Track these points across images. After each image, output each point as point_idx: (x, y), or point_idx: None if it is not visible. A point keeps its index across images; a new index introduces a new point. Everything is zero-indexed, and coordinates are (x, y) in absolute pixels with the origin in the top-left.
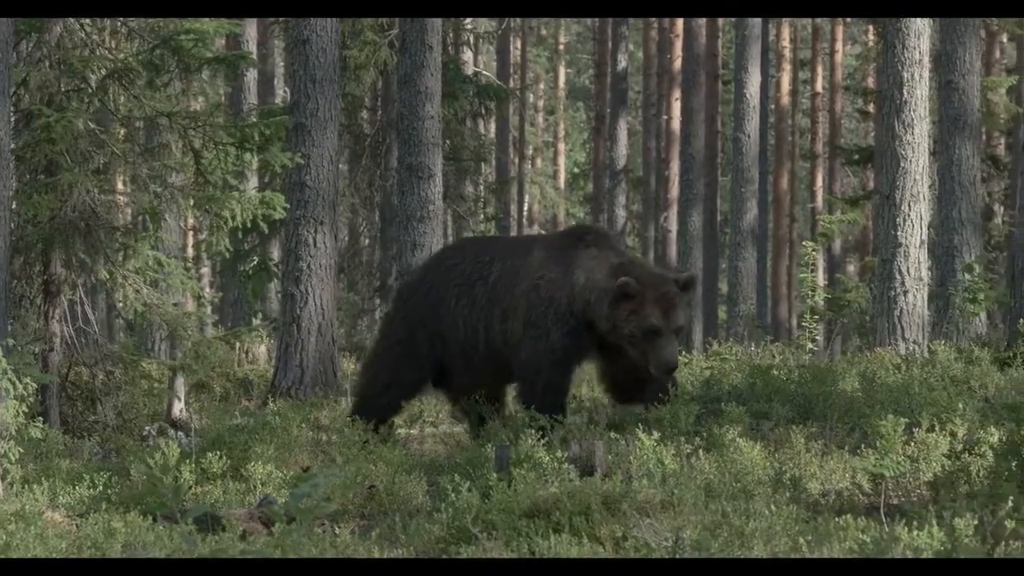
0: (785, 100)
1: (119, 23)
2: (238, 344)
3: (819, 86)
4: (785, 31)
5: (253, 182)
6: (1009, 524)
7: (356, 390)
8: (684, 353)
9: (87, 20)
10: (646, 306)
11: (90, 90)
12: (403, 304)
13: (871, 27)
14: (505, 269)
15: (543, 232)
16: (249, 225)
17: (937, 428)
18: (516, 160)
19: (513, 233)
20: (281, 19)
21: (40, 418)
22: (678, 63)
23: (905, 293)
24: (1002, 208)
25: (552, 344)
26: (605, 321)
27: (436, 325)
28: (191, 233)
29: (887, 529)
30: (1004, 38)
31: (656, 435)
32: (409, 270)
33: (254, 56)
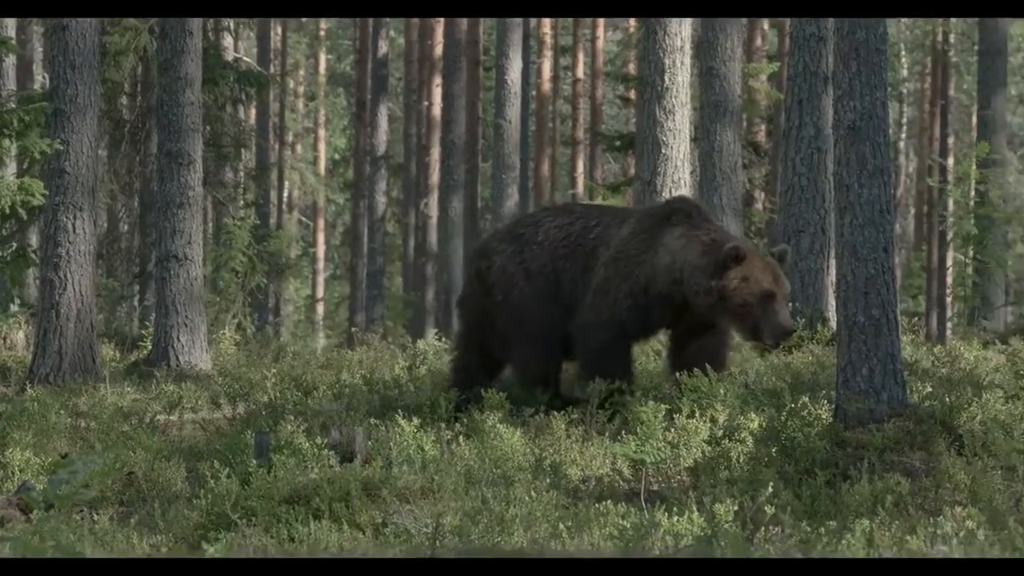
0: (546, 86)
1: None
2: None
3: (580, 72)
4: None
5: (12, 168)
6: (769, 510)
7: (515, 365)
8: (445, 339)
9: None
10: (756, 271)
11: None
12: (510, 258)
13: None
14: (599, 237)
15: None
16: (8, 212)
17: (697, 414)
18: (276, 146)
19: (273, 220)
20: None
21: None
22: (439, 49)
23: None
24: (763, 194)
25: (616, 315)
26: (707, 295)
27: (555, 282)
28: None
29: (647, 515)
30: (765, 25)
31: (416, 421)
32: (169, 256)
33: (13, 41)
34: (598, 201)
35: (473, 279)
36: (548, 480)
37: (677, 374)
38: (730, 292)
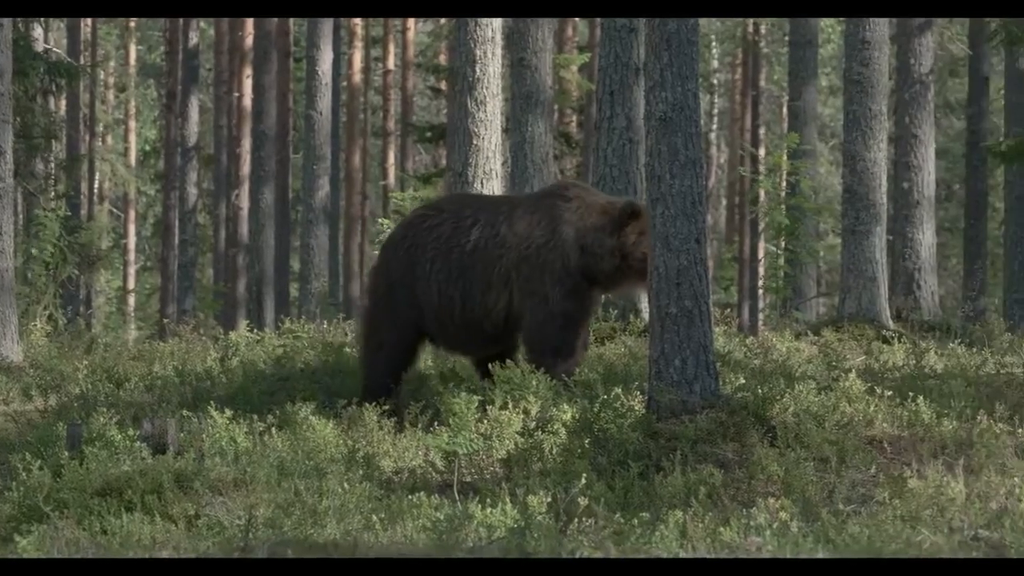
0: (357, 78)
1: None
2: None
3: (391, 63)
4: None
5: None
6: (582, 501)
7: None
8: (257, 330)
9: None
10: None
11: None
12: (383, 261)
13: None
14: (486, 236)
15: (523, 193)
16: None
17: (511, 406)
18: (87, 137)
19: (83, 212)
20: None
21: None
22: (250, 40)
23: None
24: None
25: (554, 308)
26: (611, 256)
27: (412, 287)
28: None
29: (460, 507)
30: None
31: (229, 413)
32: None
33: None
34: (410, 192)
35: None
36: (361, 472)
37: None
38: (630, 248)
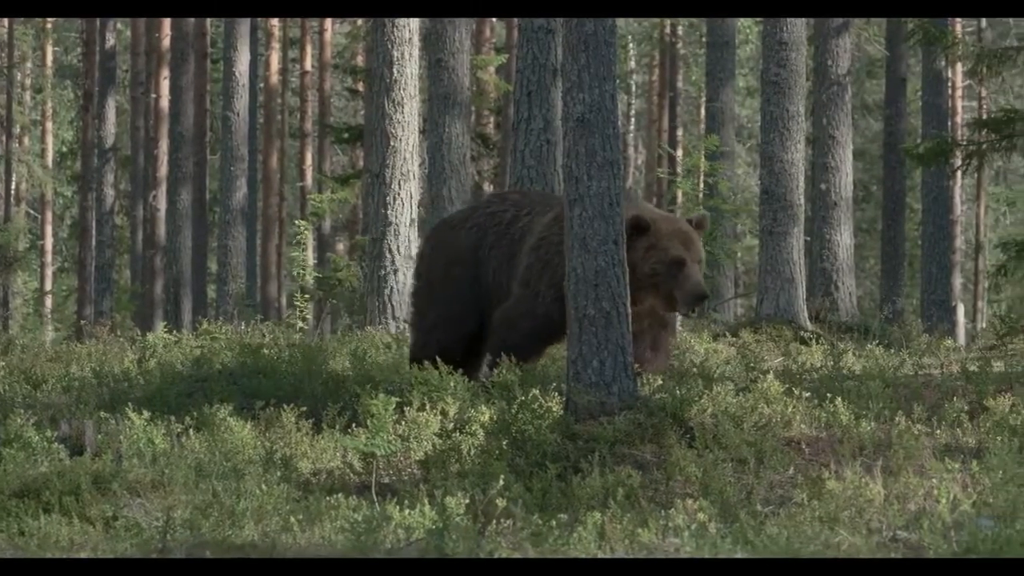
0: (275, 79)
1: None
2: None
3: (308, 65)
4: None
5: None
6: (500, 503)
7: (410, 347)
8: (174, 332)
9: None
10: (663, 239)
11: None
12: (439, 242)
13: None
14: (527, 226)
15: None
16: None
17: (428, 407)
18: (3, 139)
19: (0, 213)
20: None
21: None
22: (167, 41)
23: (395, 272)
24: (492, 187)
25: (536, 308)
26: None
27: (476, 268)
28: None
29: (379, 508)
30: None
31: (147, 414)
32: None
33: None
34: (327, 194)
35: (415, 263)
36: (279, 473)
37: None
38: (638, 262)
